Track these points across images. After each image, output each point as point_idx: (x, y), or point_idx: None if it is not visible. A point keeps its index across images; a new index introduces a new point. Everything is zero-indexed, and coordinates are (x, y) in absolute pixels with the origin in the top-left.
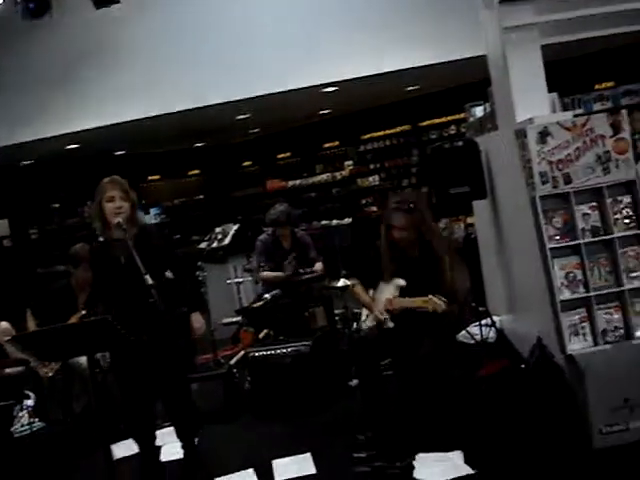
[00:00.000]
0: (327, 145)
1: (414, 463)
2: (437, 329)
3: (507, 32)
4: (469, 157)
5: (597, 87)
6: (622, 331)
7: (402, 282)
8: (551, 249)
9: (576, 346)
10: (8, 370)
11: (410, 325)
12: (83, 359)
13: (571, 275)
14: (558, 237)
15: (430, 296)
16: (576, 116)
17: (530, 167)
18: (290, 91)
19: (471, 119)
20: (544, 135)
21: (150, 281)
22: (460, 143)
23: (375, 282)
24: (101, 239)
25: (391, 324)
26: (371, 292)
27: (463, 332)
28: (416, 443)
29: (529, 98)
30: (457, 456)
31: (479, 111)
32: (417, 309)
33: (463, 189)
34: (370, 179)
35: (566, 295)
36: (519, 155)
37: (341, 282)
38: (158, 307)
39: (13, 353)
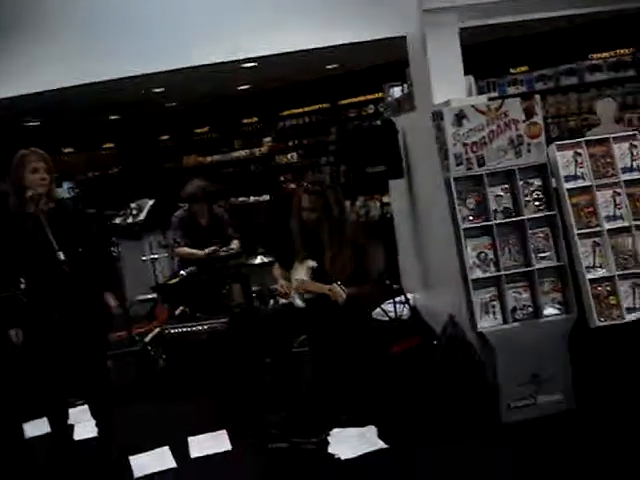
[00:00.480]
0: (246, 121)
1: (329, 438)
2: (341, 312)
3: (426, 14)
4: (386, 137)
5: (512, 71)
6: (530, 309)
7: (313, 264)
8: (464, 229)
9: (486, 324)
10: None
11: (318, 307)
12: None
13: (483, 255)
14: (471, 217)
15: (334, 285)
16: (491, 99)
17: (446, 149)
18: (208, 65)
19: (389, 99)
20: (460, 118)
21: (62, 257)
22: (378, 122)
23: (291, 262)
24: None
25: (301, 303)
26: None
27: (377, 309)
28: (331, 419)
29: (446, 80)
30: (371, 431)
31: (397, 91)
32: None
33: (380, 168)
34: (289, 156)
35: (478, 274)
36: (435, 137)
37: (258, 259)
38: (71, 284)
39: None
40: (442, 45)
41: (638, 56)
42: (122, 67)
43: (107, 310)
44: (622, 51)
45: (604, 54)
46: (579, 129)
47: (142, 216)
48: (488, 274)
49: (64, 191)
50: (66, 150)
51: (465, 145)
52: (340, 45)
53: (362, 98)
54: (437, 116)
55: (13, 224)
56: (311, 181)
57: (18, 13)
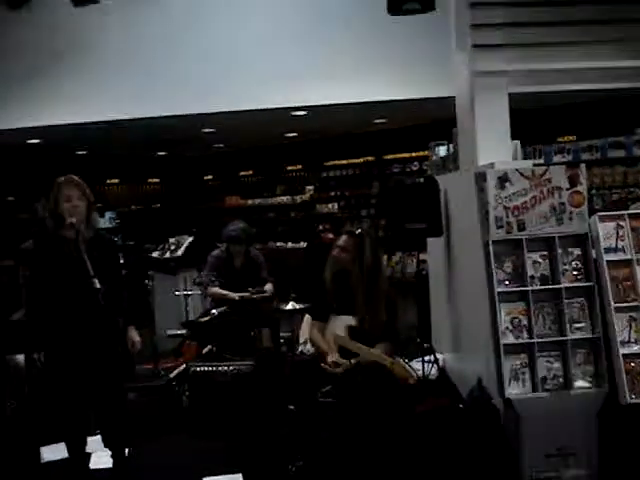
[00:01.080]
0: (290, 168)
1: None
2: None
3: (477, 76)
4: (429, 194)
5: (559, 139)
6: (561, 380)
7: (351, 321)
8: (499, 293)
9: (515, 390)
10: None
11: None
12: (20, 357)
13: (516, 320)
14: (507, 282)
15: (398, 359)
16: (536, 165)
17: (487, 210)
18: (259, 110)
19: (434, 157)
20: (503, 180)
21: (98, 285)
22: (421, 180)
23: (325, 315)
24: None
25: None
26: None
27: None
28: (349, 474)
29: (492, 143)
30: None
31: (442, 150)
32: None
33: (420, 225)
34: (329, 206)
35: (510, 339)
36: (477, 198)
37: (290, 305)
38: (104, 313)
39: None
40: (490, 108)
41: None
42: (176, 106)
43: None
44: None
45: None
46: (623, 202)
47: (180, 252)
48: (520, 340)
49: (106, 221)
50: (111, 181)
51: (506, 208)
52: (390, 101)
53: (407, 155)
54: (480, 177)
55: (49, 245)
56: (353, 228)
57: (79, 41)
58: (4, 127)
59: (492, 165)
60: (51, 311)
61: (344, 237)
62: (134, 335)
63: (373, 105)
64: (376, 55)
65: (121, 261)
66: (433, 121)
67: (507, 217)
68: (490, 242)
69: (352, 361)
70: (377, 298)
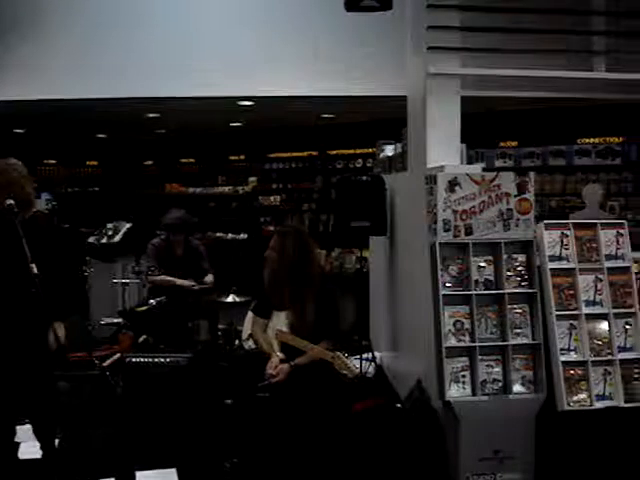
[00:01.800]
0: (233, 157)
1: None
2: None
3: (430, 78)
4: (374, 193)
5: (501, 144)
6: (501, 384)
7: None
8: (443, 295)
9: (454, 393)
10: None
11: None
12: None
13: (459, 324)
14: (451, 285)
15: (338, 354)
16: (485, 170)
17: (435, 213)
18: (206, 98)
19: (381, 155)
20: (453, 184)
21: (36, 270)
22: (368, 178)
23: (268, 311)
24: None
25: (280, 355)
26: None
27: None
28: (284, 471)
29: (442, 145)
30: None
31: (389, 149)
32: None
33: (364, 223)
34: (272, 198)
35: (452, 342)
36: (426, 200)
37: (230, 298)
38: (39, 299)
39: None
40: (442, 110)
41: (626, 146)
42: (120, 87)
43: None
44: (611, 139)
45: (593, 139)
46: (561, 209)
47: (117, 238)
48: (462, 344)
49: (41, 202)
50: (48, 162)
51: (455, 212)
52: (339, 96)
53: (352, 151)
54: (430, 180)
55: None
56: (285, 225)
57: (19, 18)
58: None
59: (442, 168)
60: None
61: (274, 237)
62: (59, 330)
63: (322, 100)
64: (329, 50)
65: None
66: (380, 119)
67: (455, 221)
68: (437, 245)
69: (292, 363)
70: (305, 296)
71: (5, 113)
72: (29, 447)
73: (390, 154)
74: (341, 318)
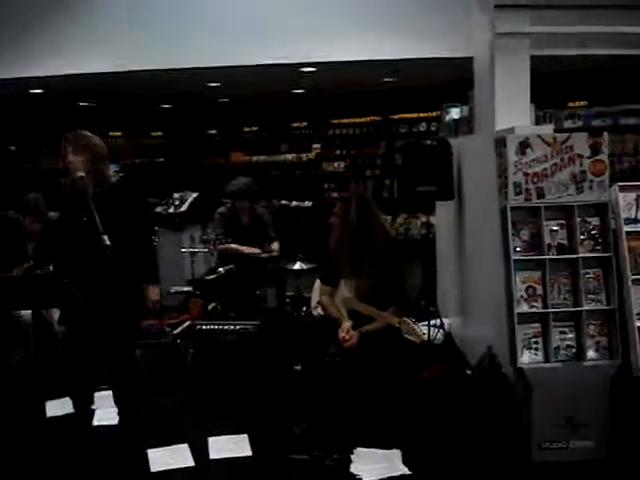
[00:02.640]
0: (295, 125)
1: (352, 457)
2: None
3: (499, 38)
4: (441, 157)
5: (570, 105)
6: (574, 350)
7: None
8: (515, 261)
9: (526, 360)
10: None
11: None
12: (25, 311)
13: (531, 289)
14: (523, 250)
15: (406, 319)
16: (556, 131)
17: (505, 176)
18: (267, 65)
19: (446, 119)
20: (524, 146)
21: (107, 242)
22: (434, 142)
23: (335, 279)
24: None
25: (350, 322)
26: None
27: None
28: (355, 436)
29: (511, 107)
30: (395, 455)
31: (455, 112)
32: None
33: (430, 188)
34: (335, 164)
35: (524, 308)
36: (496, 163)
37: (297, 265)
38: (113, 270)
39: None
40: (511, 71)
41: None
42: (181, 58)
43: (142, 300)
44: None
45: None
46: (633, 170)
47: (184, 208)
48: (534, 309)
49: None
50: (114, 134)
51: (526, 175)
52: (401, 60)
53: (415, 115)
54: (500, 142)
55: (66, 205)
56: (349, 190)
57: None
58: (5, 76)
59: (512, 130)
60: (62, 267)
61: (337, 203)
62: (155, 294)
63: (384, 63)
64: (389, 12)
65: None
66: (444, 82)
67: (526, 184)
68: (508, 208)
69: (362, 330)
70: (368, 262)
71: (71, 86)
72: (106, 413)
73: (456, 117)
74: (407, 284)
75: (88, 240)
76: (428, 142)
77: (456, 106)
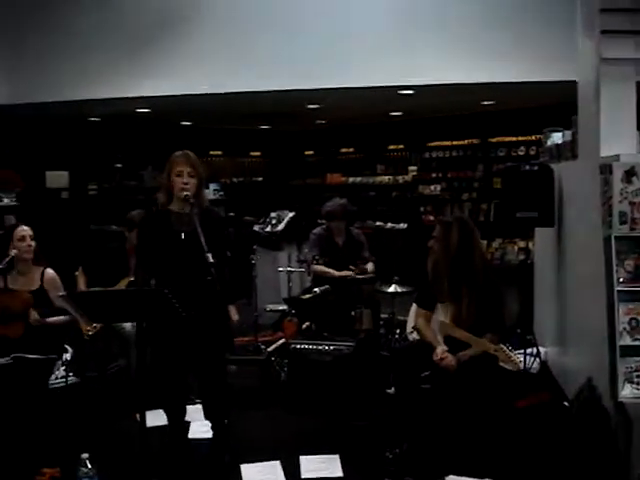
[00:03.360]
0: (392, 147)
1: None
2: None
3: (604, 63)
4: (542, 182)
5: None
6: None
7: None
8: (618, 292)
9: (628, 394)
10: (51, 319)
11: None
12: (127, 323)
13: (634, 321)
14: (627, 281)
15: (502, 347)
16: None
17: (610, 205)
18: (368, 88)
19: (548, 143)
20: (630, 174)
21: (211, 259)
22: (535, 167)
23: (432, 303)
24: (160, 209)
25: (445, 347)
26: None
27: None
28: (447, 463)
29: (617, 133)
30: None
31: (557, 137)
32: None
33: (531, 214)
34: (431, 187)
35: (627, 341)
36: (600, 191)
37: (392, 288)
38: (215, 286)
39: (56, 302)
40: (617, 97)
41: None
42: (282, 80)
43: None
44: None
45: None
46: None
47: (280, 227)
48: (638, 342)
49: (209, 192)
50: (214, 153)
51: (632, 204)
52: (501, 83)
53: (514, 138)
54: (605, 169)
55: (158, 220)
56: (444, 214)
57: (188, 14)
58: (117, 95)
59: (617, 157)
60: (162, 282)
61: (437, 227)
62: (234, 313)
63: (483, 86)
64: (489, 35)
65: (228, 236)
66: (544, 105)
67: (632, 213)
68: (612, 238)
69: (458, 356)
70: (465, 288)
71: (173, 107)
72: (200, 427)
73: (558, 142)
74: (505, 311)
75: (189, 257)
76: (529, 167)
77: (558, 130)
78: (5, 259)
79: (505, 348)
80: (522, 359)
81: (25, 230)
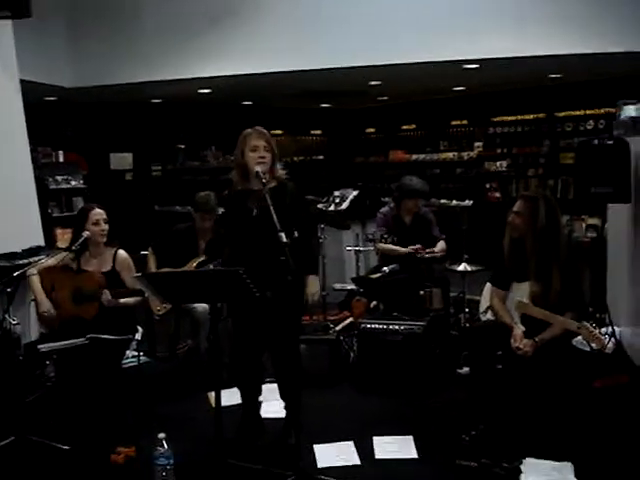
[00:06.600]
0: (455, 123)
1: (521, 467)
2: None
3: None
4: (618, 157)
5: None
6: None
7: (535, 287)
8: None
9: None
10: (123, 300)
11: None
12: (200, 306)
13: None
14: None
15: (585, 324)
16: None
17: None
18: (431, 63)
19: (622, 116)
20: None
21: (284, 239)
22: (610, 141)
23: (507, 282)
24: (238, 188)
25: (522, 327)
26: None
27: (579, 337)
28: (525, 445)
29: None
30: (567, 469)
31: (633, 110)
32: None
33: (606, 189)
34: (497, 164)
35: None
36: None
37: (461, 266)
38: (289, 266)
39: (129, 283)
40: None
41: None
42: (343, 57)
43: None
44: None
45: None
46: None
47: (344, 205)
48: None
49: None
50: (275, 132)
51: None
52: (569, 55)
53: (581, 112)
54: None
55: (234, 200)
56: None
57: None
58: (179, 77)
59: None
60: (236, 262)
61: (518, 202)
62: (315, 285)
63: (550, 59)
64: (557, 7)
65: (307, 209)
66: (612, 77)
67: None
68: None
69: (536, 340)
70: (553, 265)
71: (234, 87)
72: (273, 406)
73: (634, 114)
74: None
75: (262, 236)
76: (604, 141)
77: (633, 103)
78: (78, 240)
79: (589, 325)
80: (607, 337)
81: (100, 214)
